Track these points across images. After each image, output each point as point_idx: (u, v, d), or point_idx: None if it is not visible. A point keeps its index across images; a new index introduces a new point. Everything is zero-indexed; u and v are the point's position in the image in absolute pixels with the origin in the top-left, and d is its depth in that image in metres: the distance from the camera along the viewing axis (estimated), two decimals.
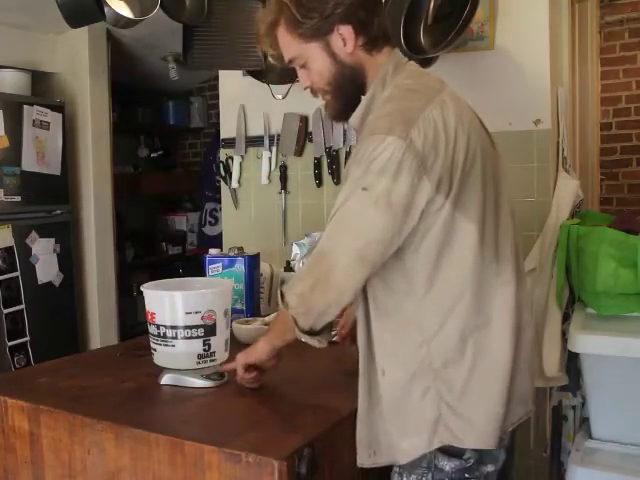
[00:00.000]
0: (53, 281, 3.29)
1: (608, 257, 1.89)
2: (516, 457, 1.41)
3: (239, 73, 2.75)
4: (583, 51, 2.88)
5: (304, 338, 1.24)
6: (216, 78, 3.07)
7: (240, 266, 2.03)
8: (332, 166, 2.60)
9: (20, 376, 1.77)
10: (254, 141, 2.80)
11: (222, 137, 2.91)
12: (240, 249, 2.09)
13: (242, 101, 2.82)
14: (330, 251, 1.19)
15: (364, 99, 1.28)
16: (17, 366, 3.05)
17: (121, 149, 4.08)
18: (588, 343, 1.77)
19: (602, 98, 3.76)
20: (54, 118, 3.28)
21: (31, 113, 3.16)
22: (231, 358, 1.50)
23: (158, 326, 1.51)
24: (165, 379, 1.49)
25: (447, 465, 1.17)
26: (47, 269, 3.26)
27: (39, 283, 3.22)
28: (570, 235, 2.06)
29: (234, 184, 2.85)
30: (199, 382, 1.46)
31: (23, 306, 3.12)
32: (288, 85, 2.55)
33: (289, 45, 1.29)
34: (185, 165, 5.07)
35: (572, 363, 2.09)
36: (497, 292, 1.20)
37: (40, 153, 3.20)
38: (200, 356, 1.51)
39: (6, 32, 3.25)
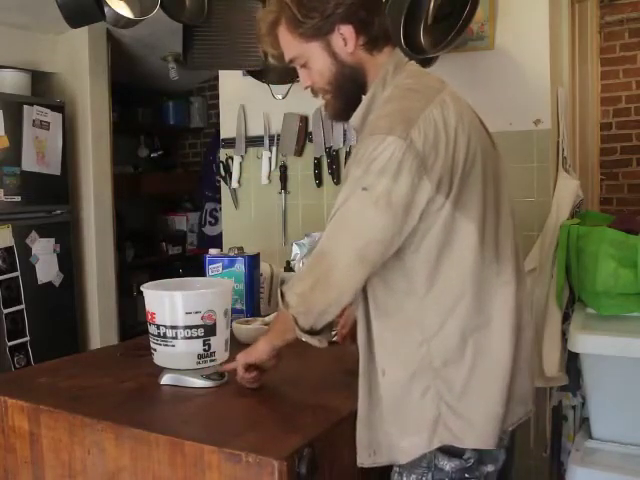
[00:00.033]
0: (53, 281, 3.29)
1: (608, 257, 1.89)
2: (516, 457, 1.41)
3: (239, 73, 2.75)
4: (583, 51, 2.88)
5: (304, 337, 1.24)
6: (216, 78, 3.07)
7: (240, 266, 2.03)
8: (332, 166, 2.60)
9: (20, 376, 1.77)
10: (254, 141, 2.80)
11: (222, 137, 2.91)
12: (240, 249, 2.09)
13: (242, 101, 2.82)
14: (330, 251, 1.19)
15: (365, 99, 1.28)
16: (17, 366, 3.05)
17: (121, 149, 4.08)
18: (588, 343, 1.77)
19: (602, 98, 3.76)
20: (54, 118, 3.28)
21: (31, 113, 3.16)
22: (231, 358, 1.50)
23: (158, 326, 1.51)
24: (165, 379, 1.49)
25: (447, 465, 1.17)
26: (47, 269, 3.26)
27: (39, 283, 3.22)
28: (570, 235, 2.06)
29: (234, 184, 2.85)
30: (199, 382, 1.46)
31: (23, 306, 3.12)
32: (288, 85, 2.55)
33: (290, 45, 1.29)
34: (185, 165, 5.07)
35: (572, 363, 2.09)
36: (497, 292, 1.20)
37: (40, 153, 3.20)
38: (200, 356, 1.51)
39: (6, 32, 3.25)
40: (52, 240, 3.28)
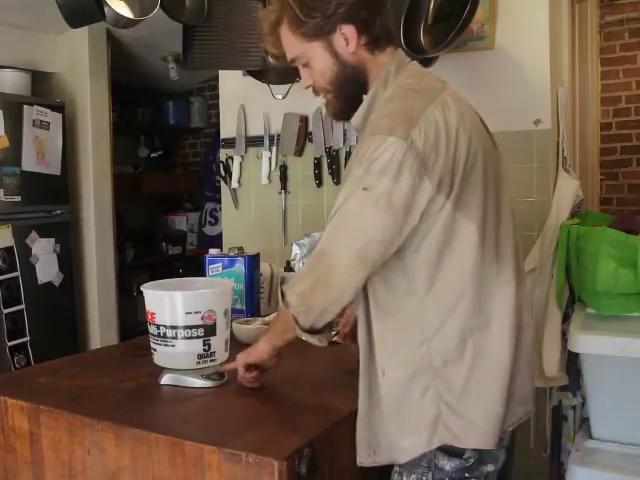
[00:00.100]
0: (53, 281, 3.29)
1: (608, 257, 1.89)
2: (516, 457, 1.41)
3: (239, 73, 2.75)
4: (583, 51, 2.88)
5: (305, 337, 1.24)
6: (216, 78, 3.07)
7: (240, 266, 2.03)
8: (332, 166, 2.60)
9: (20, 376, 1.77)
10: (254, 141, 2.80)
11: (222, 137, 2.91)
12: (240, 249, 2.09)
13: (242, 101, 2.82)
14: (330, 251, 1.19)
15: (366, 98, 1.28)
16: (17, 366, 3.05)
17: (121, 149, 4.08)
18: (588, 343, 1.77)
19: (602, 98, 3.76)
20: (54, 118, 3.28)
21: (31, 113, 3.16)
22: (231, 358, 1.50)
23: (158, 326, 1.51)
24: (165, 379, 1.49)
25: (447, 464, 1.17)
26: (47, 269, 3.26)
27: (39, 283, 3.22)
28: (570, 235, 2.06)
29: (234, 184, 2.85)
30: (199, 382, 1.46)
31: (23, 306, 3.12)
32: (288, 85, 2.55)
33: (291, 44, 1.29)
34: (185, 165, 5.07)
35: (572, 363, 2.09)
36: (497, 292, 1.20)
37: (40, 153, 3.20)
38: (200, 356, 1.51)
39: (6, 32, 3.25)
40: (52, 240, 3.28)
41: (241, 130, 2.82)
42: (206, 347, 1.51)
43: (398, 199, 1.12)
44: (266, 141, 2.76)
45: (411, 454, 1.18)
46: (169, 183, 4.71)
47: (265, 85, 2.58)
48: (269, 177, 2.76)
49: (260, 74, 2.54)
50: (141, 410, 1.35)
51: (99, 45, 3.57)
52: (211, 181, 4.46)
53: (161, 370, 1.51)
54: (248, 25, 2.36)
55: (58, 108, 3.32)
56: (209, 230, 4.58)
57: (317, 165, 2.65)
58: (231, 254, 2.06)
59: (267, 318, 1.87)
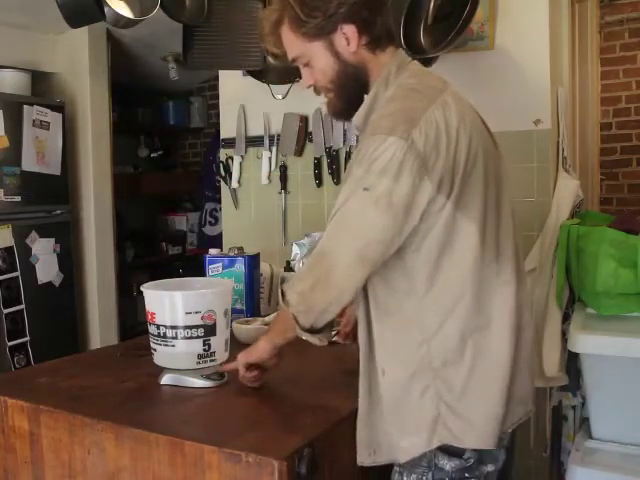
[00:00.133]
0: (53, 281, 3.29)
1: (608, 257, 1.89)
2: (516, 457, 1.41)
3: (239, 73, 2.75)
4: (583, 51, 2.88)
5: (305, 336, 1.24)
6: (216, 78, 3.07)
7: (240, 266, 2.03)
8: (332, 166, 2.60)
9: (20, 376, 1.77)
10: (254, 141, 2.80)
11: (222, 137, 2.91)
12: (240, 249, 2.09)
13: (242, 101, 2.82)
14: (330, 251, 1.19)
15: (367, 98, 1.28)
16: (17, 366, 3.05)
17: (121, 149, 4.08)
18: (588, 343, 1.77)
19: (602, 98, 3.76)
20: (54, 118, 3.28)
21: (31, 113, 3.16)
22: (231, 358, 1.50)
23: (158, 326, 1.51)
24: (165, 379, 1.49)
25: (447, 464, 1.17)
26: (47, 269, 3.26)
27: (39, 283, 3.22)
28: (570, 235, 2.06)
29: (234, 184, 2.85)
30: (199, 382, 1.46)
31: (23, 306, 3.11)
32: (288, 85, 2.55)
33: (292, 44, 1.29)
34: (185, 165, 5.07)
35: (572, 363, 2.09)
36: (497, 292, 1.20)
37: (40, 153, 3.20)
38: (200, 356, 1.51)
39: (6, 32, 3.25)
40: (52, 240, 3.28)
41: (241, 130, 2.82)
42: (206, 347, 1.51)
43: (398, 199, 1.12)
44: (266, 141, 2.76)
45: (411, 454, 1.18)
46: (169, 183, 4.71)
47: (265, 85, 2.59)
48: (269, 177, 2.76)
49: (260, 74, 2.54)
50: (141, 410, 1.35)
51: (99, 45, 3.57)
52: (211, 181, 4.46)
53: (161, 370, 1.51)
54: (248, 25, 2.36)
55: (58, 108, 3.32)
56: (209, 230, 4.58)
57: (317, 165, 2.65)
58: (231, 254, 2.06)
59: (267, 318, 1.87)
